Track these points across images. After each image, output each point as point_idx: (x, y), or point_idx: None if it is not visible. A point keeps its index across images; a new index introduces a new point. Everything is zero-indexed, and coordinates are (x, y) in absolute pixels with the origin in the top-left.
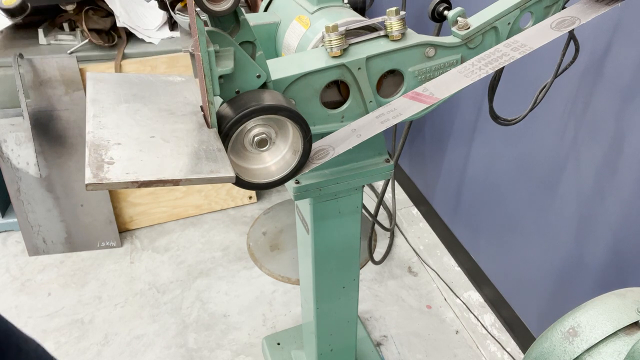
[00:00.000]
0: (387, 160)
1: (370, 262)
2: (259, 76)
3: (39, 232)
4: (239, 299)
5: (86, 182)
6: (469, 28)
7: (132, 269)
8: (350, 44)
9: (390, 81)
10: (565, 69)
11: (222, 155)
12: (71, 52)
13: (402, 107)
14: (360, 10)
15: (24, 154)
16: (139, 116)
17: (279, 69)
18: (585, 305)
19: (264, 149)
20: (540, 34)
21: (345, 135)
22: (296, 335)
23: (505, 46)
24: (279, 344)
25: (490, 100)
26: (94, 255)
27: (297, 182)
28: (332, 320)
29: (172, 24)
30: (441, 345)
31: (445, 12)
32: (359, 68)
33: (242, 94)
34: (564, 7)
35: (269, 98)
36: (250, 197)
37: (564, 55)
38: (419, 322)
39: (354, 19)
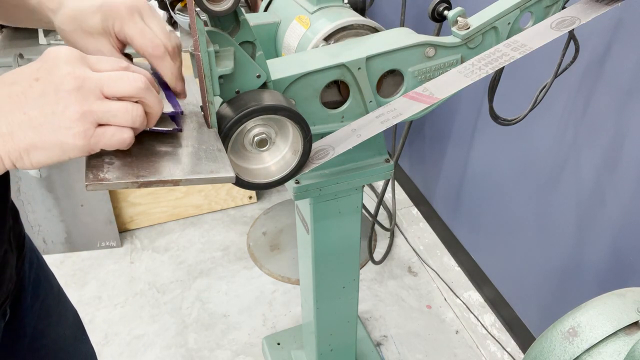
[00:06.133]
0: (387, 160)
1: (370, 262)
2: (259, 76)
3: (39, 232)
4: (239, 299)
5: (86, 183)
6: (469, 28)
7: (132, 269)
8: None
9: (390, 81)
10: (565, 69)
11: (222, 156)
12: None
13: (402, 107)
14: (360, 10)
15: None
16: None
17: (279, 69)
18: (585, 305)
19: (264, 149)
20: (540, 34)
21: (345, 135)
22: (296, 335)
23: (505, 46)
24: (279, 344)
25: (490, 100)
26: (94, 255)
27: (297, 182)
28: (332, 320)
29: (172, 24)
30: (441, 345)
31: (445, 12)
32: (359, 68)
33: (242, 94)
34: (564, 7)
35: (269, 98)
36: (250, 197)
37: (564, 55)
38: (419, 322)
39: (354, 18)
